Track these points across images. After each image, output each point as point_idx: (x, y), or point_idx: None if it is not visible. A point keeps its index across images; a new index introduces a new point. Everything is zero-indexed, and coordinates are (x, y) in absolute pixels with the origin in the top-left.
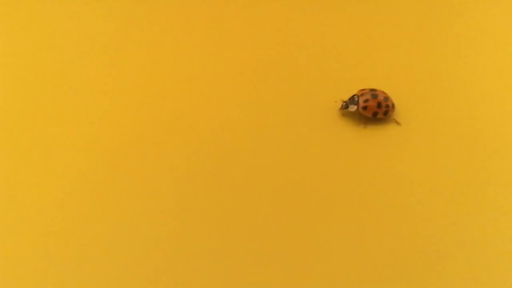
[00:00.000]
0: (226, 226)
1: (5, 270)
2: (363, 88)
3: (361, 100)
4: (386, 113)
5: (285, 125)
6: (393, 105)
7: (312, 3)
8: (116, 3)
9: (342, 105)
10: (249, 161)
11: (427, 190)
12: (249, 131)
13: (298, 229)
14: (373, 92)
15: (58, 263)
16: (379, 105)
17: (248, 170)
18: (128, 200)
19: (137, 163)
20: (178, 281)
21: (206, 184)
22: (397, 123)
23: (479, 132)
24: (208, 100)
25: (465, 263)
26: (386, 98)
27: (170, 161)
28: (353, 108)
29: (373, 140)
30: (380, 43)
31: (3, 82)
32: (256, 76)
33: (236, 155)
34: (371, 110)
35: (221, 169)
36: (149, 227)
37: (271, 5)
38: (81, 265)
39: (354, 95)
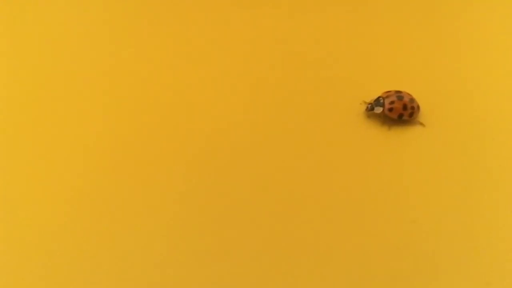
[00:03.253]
0: (229, 227)
1: (5, 270)
2: (388, 90)
3: (386, 102)
4: (411, 115)
5: (310, 126)
6: (418, 107)
7: (337, 4)
8: (117, 3)
9: (368, 107)
10: (269, 162)
11: (445, 192)
12: (270, 132)
13: (301, 229)
14: (399, 94)
15: (58, 263)
16: (404, 107)
17: (266, 171)
18: (129, 200)
19: (139, 162)
20: (179, 281)
21: (214, 184)
22: (422, 124)
23: (504, 135)
24: (219, 100)
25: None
26: (412, 100)
27: (174, 161)
28: (378, 109)
29: (398, 142)
30: (404, 45)
31: (3, 82)
32: (278, 76)
33: (258, 156)
34: (397, 112)
35: (230, 170)
36: (150, 227)
37: (293, 3)
38: (81, 265)
39: (380, 97)
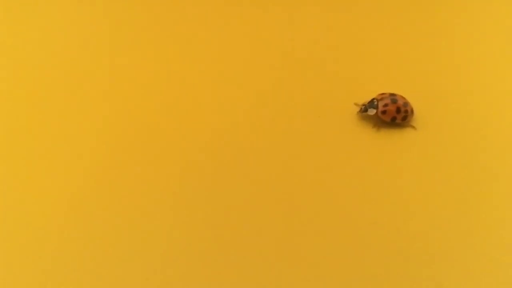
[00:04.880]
0: (227, 227)
1: (6, 271)
2: (383, 92)
3: (380, 104)
4: (404, 118)
5: (303, 126)
6: (412, 111)
7: (334, 5)
8: (118, 3)
9: (361, 109)
10: (260, 162)
11: (438, 194)
12: (264, 133)
13: (299, 229)
14: (393, 97)
15: (58, 263)
16: (398, 110)
17: (258, 171)
18: (129, 200)
19: (139, 163)
20: (178, 281)
21: (212, 184)
22: (414, 128)
23: (499, 140)
24: (218, 100)
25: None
26: (406, 104)
27: (174, 161)
28: (372, 112)
29: (389, 145)
30: (401, 48)
31: (4, 83)
32: (274, 77)
33: (249, 156)
34: (390, 114)
35: (228, 171)
36: (150, 228)
37: (289, 5)
38: (80, 265)
39: (374, 99)
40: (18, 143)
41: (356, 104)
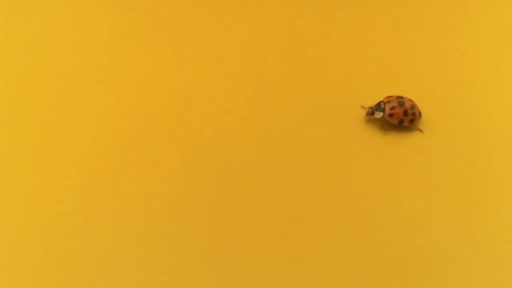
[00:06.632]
0: (226, 227)
1: (6, 270)
2: (390, 95)
3: (387, 107)
4: (412, 121)
5: (309, 129)
6: (419, 113)
7: (342, 8)
8: (118, 2)
9: (368, 111)
10: (263, 164)
11: (446, 197)
12: (268, 135)
13: (302, 232)
14: (400, 100)
15: (59, 262)
16: (405, 112)
17: (260, 172)
18: (129, 199)
19: (139, 162)
20: (177, 280)
21: (212, 184)
22: (421, 131)
23: (508, 143)
24: (218, 101)
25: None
26: (413, 106)
27: (173, 161)
28: (379, 114)
29: (396, 148)
30: (408, 50)
31: (3, 83)
32: (278, 78)
33: (251, 158)
34: (397, 117)
35: (228, 171)
36: (149, 227)
37: (294, 6)
38: (81, 264)
39: (381, 101)
40: (18, 142)
41: (362, 107)
